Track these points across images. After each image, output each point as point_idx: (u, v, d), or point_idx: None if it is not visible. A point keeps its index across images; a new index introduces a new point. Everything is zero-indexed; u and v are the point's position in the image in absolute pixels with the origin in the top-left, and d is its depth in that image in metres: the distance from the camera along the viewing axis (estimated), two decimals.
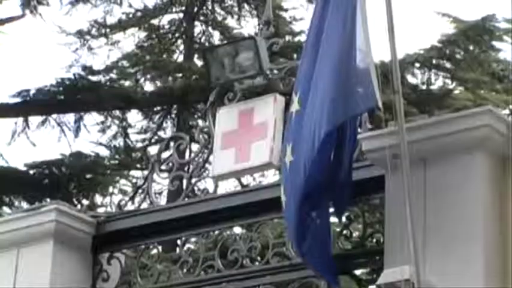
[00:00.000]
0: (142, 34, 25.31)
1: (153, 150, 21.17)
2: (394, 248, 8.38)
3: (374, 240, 9.34)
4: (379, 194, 9.04)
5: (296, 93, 8.53)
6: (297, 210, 8.29)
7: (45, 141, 23.16)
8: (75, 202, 19.39)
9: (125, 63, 24.57)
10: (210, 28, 25.94)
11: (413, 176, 8.03)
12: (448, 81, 22.11)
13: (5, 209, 20.84)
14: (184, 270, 10.61)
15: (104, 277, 10.76)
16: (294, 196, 8.30)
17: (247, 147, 9.99)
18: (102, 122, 23.54)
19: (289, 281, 9.78)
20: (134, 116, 23.80)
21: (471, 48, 21.52)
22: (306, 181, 8.12)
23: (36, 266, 10.56)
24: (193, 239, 11.02)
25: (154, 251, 11.72)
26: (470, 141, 8.39)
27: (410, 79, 21.94)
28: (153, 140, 23.26)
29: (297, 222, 8.37)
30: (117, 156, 23.43)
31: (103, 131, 23.61)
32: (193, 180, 10.69)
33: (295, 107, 8.48)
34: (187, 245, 10.98)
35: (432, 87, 21.24)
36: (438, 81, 22.18)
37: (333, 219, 9.48)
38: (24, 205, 17.09)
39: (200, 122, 21.44)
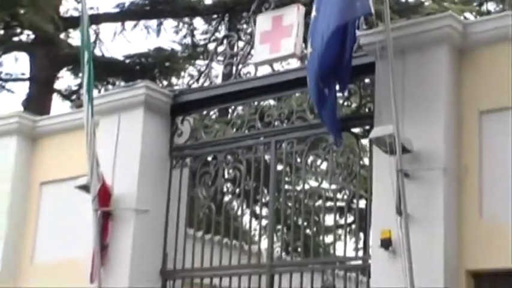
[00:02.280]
0: None
1: (211, 46, 21.30)
2: (381, 114, 8.47)
3: (367, 108, 9.46)
4: (370, 75, 9.14)
5: (314, 4, 8.61)
6: (315, 87, 8.53)
7: (136, 39, 23.44)
8: (158, 82, 19.41)
9: None
10: None
11: (395, 62, 8.04)
12: None
13: (110, 86, 20.93)
14: (234, 129, 10.70)
15: (178, 133, 10.86)
16: (312, 77, 8.50)
17: (278, 42, 10.10)
18: (176, 26, 23.67)
19: (307, 136, 9.85)
20: (198, 22, 23.96)
21: None
22: (320, 66, 8.32)
23: (131, 126, 10.66)
24: (240, 108, 11.02)
25: (214, 116, 11.72)
26: (436, 37, 8.48)
27: None
28: (212, 39, 23.36)
29: (316, 96, 8.62)
30: (186, 50, 23.49)
31: (176, 32, 23.76)
32: (240, 66, 10.70)
33: (313, 14, 8.52)
34: (236, 112, 11.02)
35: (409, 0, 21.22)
36: None
37: (339, 94, 9.50)
38: (123, 84, 17.11)
39: (245, 25, 21.47)
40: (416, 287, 7.61)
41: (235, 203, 11.97)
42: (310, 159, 10.81)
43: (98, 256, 9.95)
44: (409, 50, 8.60)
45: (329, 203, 12.29)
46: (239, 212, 11.76)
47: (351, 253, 9.87)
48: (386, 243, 8.13)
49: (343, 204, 12.28)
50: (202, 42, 23.98)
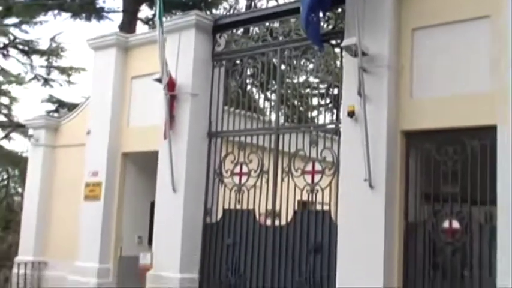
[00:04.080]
0: None
1: None
2: (349, 30, 8.42)
3: (340, 25, 9.14)
4: (342, 5, 8.88)
5: None
6: (305, 14, 8.31)
7: None
8: (204, 12, 18.59)
9: None
10: None
11: None
12: None
13: (173, 15, 20.21)
14: (253, 42, 10.49)
15: (217, 45, 10.81)
16: (304, 7, 8.26)
17: None
18: None
19: (300, 46, 9.74)
20: None
21: None
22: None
23: (187, 41, 10.61)
24: (257, 28, 10.69)
25: (240, 33, 11.52)
26: None
27: None
28: None
29: (305, 19, 8.40)
30: None
31: None
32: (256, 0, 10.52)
33: None
34: (254, 30, 10.79)
35: None
36: None
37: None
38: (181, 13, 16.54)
39: None
40: (369, 140, 7.89)
41: (254, 90, 12.06)
42: (303, 61, 10.77)
43: (168, 123, 10.20)
44: None
45: (314, 91, 12.33)
46: (257, 96, 11.87)
47: (328, 121, 10.06)
48: (351, 114, 8.28)
49: (323, 90, 12.38)
50: None
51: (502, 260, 6.90)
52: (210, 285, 10.12)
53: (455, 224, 7.68)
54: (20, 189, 15.07)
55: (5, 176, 16.12)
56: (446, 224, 7.76)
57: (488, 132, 7.23)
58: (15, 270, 12.87)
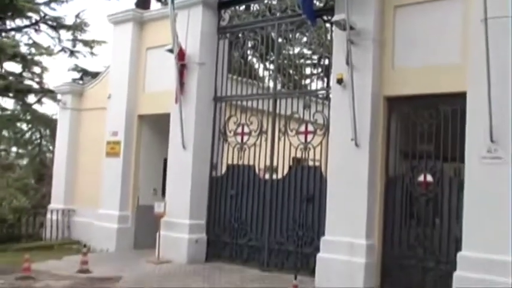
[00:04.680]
0: None
1: None
2: (339, 7, 8.29)
3: (331, 3, 8.92)
4: None
5: None
6: None
7: None
8: None
9: None
10: None
11: None
12: None
13: None
14: (254, 18, 10.41)
15: (222, 19, 10.63)
16: None
17: None
18: None
19: (296, 21, 9.63)
20: None
21: None
22: None
23: (195, 16, 10.43)
24: (257, 5, 10.44)
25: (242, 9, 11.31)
26: None
27: None
28: None
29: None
30: None
31: None
32: None
33: None
34: (255, 6, 10.61)
35: None
36: None
37: None
38: None
39: None
40: (355, 104, 7.87)
41: (254, 60, 11.94)
42: (297, 34, 10.66)
43: (178, 89, 10.15)
44: None
45: (308, 61, 12.25)
46: (256, 65, 11.76)
47: (319, 88, 10.00)
48: (340, 81, 8.25)
49: (315, 61, 12.27)
50: None
51: (467, 208, 6.97)
52: (216, 230, 10.22)
53: (429, 178, 7.75)
54: (51, 147, 15.15)
55: (38, 136, 16.18)
56: (421, 178, 7.82)
57: (459, 98, 7.22)
58: (48, 216, 13.00)
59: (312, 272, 8.37)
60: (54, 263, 9.98)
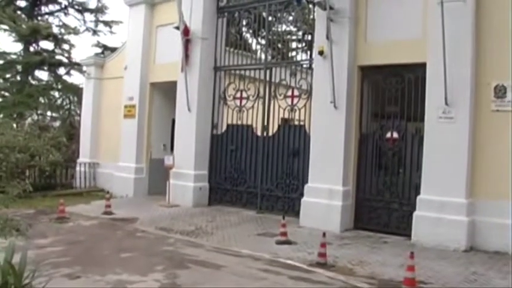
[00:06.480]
0: None
1: None
2: None
3: None
4: None
5: None
6: None
7: None
8: None
9: None
10: None
11: None
12: None
13: None
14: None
15: (221, 1, 10.26)
16: None
17: None
18: None
19: (284, 1, 9.35)
20: None
21: None
22: None
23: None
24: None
25: None
26: None
27: None
28: None
29: None
30: None
31: None
32: None
33: None
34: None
35: None
36: None
37: None
38: None
39: None
40: (334, 73, 7.78)
41: (248, 35, 11.73)
42: (285, 14, 10.43)
43: (184, 60, 10.02)
44: None
45: (294, 36, 12.02)
46: (250, 40, 11.61)
47: (304, 59, 9.86)
48: (321, 53, 8.12)
49: (300, 36, 12.03)
50: None
51: (425, 160, 7.04)
52: (217, 179, 10.23)
53: (395, 135, 7.73)
54: (78, 111, 15.16)
55: (68, 102, 16.18)
56: (388, 135, 7.81)
57: (420, 68, 7.19)
58: (77, 168, 13.01)
59: (297, 214, 8.44)
60: (83, 206, 10.05)
